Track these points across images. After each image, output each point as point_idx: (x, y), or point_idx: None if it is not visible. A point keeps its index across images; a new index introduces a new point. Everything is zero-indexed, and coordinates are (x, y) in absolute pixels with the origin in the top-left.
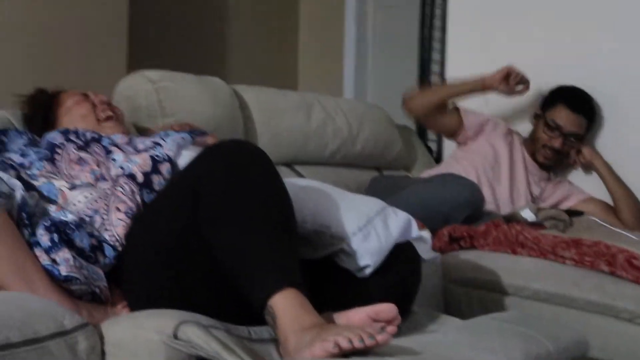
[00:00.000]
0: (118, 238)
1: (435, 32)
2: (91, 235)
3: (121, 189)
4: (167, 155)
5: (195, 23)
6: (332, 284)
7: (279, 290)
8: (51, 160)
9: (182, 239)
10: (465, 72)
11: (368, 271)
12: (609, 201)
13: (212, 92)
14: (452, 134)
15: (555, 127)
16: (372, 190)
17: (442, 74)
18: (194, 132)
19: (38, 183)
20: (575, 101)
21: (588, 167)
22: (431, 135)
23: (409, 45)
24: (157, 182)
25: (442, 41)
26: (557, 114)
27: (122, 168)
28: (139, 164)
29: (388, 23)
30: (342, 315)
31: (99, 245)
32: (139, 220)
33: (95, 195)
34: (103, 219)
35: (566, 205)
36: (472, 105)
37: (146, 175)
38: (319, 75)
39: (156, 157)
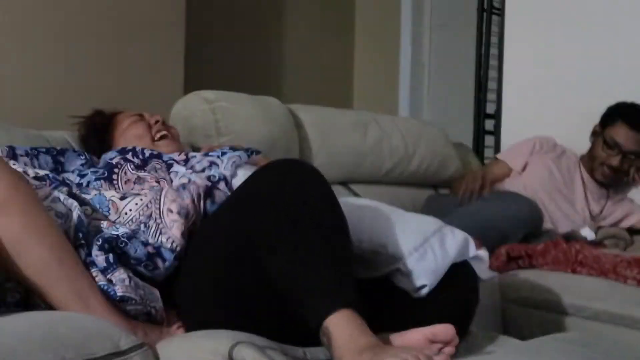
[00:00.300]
0: (175, 239)
1: (491, 49)
2: (146, 243)
3: (172, 191)
4: (223, 175)
5: (251, 43)
6: (389, 304)
7: (334, 310)
8: (109, 179)
9: (237, 259)
10: (523, 89)
11: (425, 291)
12: None
13: (267, 112)
14: (506, 177)
15: (614, 145)
16: (428, 208)
17: (499, 91)
18: (250, 150)
19: (89, 196)
20: (635, 118)
21: None
22: (488, 153)
23: (465, 62)
24: (218, 195)
25: (499, 58)
26: (616, 131)
27: (185, 177)
28: (197, 183)
29: (444, 41)
30: (399, 336)
31: (156, 251)
32: (195, 239)
33: (146, 200)
34: (157, 223)
35: (627, 223)
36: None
37: (207, 188)
38: (374, 95)
39: (212, 177)
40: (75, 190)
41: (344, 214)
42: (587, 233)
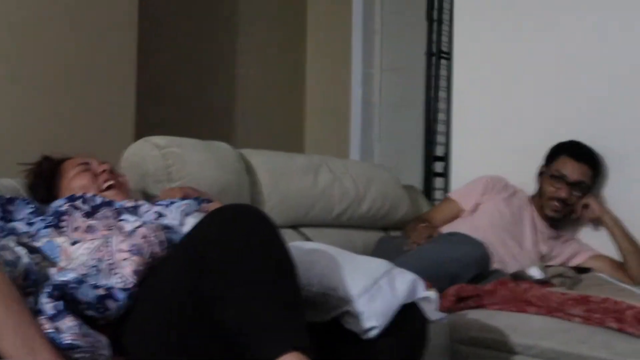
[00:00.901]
0: (127, 277)
1: (440, 92)
2: (96, 286)
3: (123, 234)
4: (171, 225)
5: (203, 89)
6: (339, 346)
7: (283, 353)
8: (57, 227)
9: (186, 305)
10: (471, 132)
11: (374, 333)
12: (618, 257)
13: (218, 157)
14: (457, 217)
15: (560, 177)
16: (379, 250)
17: (447, 133)
18: (200, 199)
19: (39, 244)
20: (578, 150)
21: (596, 222)
22: (438, 195)
23: (414, 106)
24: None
25: (448, 101)
26: (561, 164)
27: (138, 221)
28: (151, 224)
29: (394, 85)
30: None
31: (107, 293)
32: (145, 283)
33: (97, 244)
34: (109, 263)
35: (574, 262)
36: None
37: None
38: (325, 138)
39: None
40: (24, 239)
41: (293, 258)
42: (535, 272)
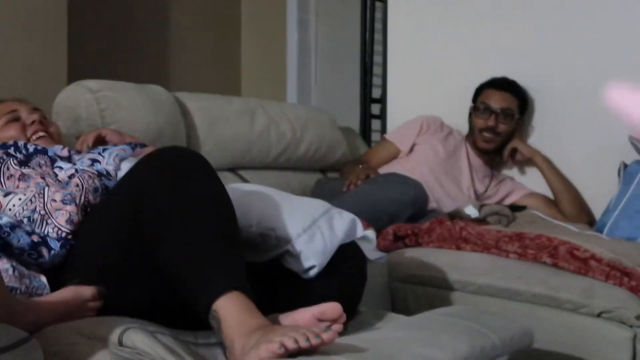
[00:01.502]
0: (61, 227)
1: (376, 34)
2: (31, 233)
3: (56, 185)
4: (106, 170)
5: (136, 31)
6: (279, 286)
7: (222, 294)
8: None
9: (125, 247)
10: (407, 73)
11: (314, 272)
12: (551, 196)
13: (153, 100)
14: (394, 158)
15: (485, 108)
16: (317, 192)
17: (384, 76)
18: (133, 144)
19: None
20: (499, 82)
21: (527, 163)
22: (375, 137)
23: (351, 49)
24: (103, 186)
25: (383, 44)
26: (484, 97)
27: (72, 169)
28: (85, 170)
29: (330, 28)
30: (288, 316)
31: (41, 240)
32: (84, 226)
33: (29, 195)
34: (41, 214)
35: (509, 200)
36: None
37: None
38: (262, 82)
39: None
40: None
41: (230, 199)
42: (471, 211)
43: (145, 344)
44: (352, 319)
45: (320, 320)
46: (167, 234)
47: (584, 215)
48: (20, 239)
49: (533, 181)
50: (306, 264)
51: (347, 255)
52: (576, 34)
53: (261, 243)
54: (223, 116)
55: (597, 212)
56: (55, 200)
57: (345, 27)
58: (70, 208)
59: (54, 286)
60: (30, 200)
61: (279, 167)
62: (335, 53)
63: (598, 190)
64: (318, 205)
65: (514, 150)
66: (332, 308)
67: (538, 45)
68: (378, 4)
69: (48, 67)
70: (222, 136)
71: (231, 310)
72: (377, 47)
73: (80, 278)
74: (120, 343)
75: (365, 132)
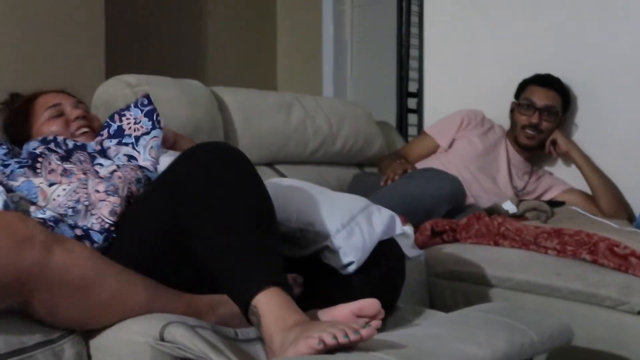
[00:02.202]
0: (104, 219)
1: (412, 28)
2: (74, 226)
3: (95, 176)
4: (145, 167)
5: (173, 26)
6: (317, 281)
7: (261, 289)
8: (32, 168)
9: (166, 243)
10: (443, 67)
11: (352, 268)
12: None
13: (190, 95)
14: (433, 153)
15: (529, 104)
16: (354, 187)
17: (420, 69)
18: (154, 124)
19: (17, 183)
20: (544, 78)
21: (565, 158)
22: (412, 131)
23: (387, 42)
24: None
25: (420, 37)
26: (528, 93)
27: (113, 165)
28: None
29: (365, 21)
30: (326, 312)
31: (84, 234)
32: (124, 221)
33: (74, 186)
34: (86, 205)
35: (548, 196)
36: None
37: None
38: (298, 75)
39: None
40: (0, 178)
41: (269, 195)
42: (509, 206)
43: (186, 338)
44: (390, 315)
45: (359, 317)
46: (206, 229)
47: (623, 211)
48: (64, 233)
49: (573, 177)
50: (345, 260)
51: (385, 251)
52: (621, 29)
53: (300, 238)
54: (259, 110)
55: (637, 208)
56: (98, 191)
57: (381, 19)
58: (114, 199)
59: None
60: (75, 190)
61: (315, 162)
62: (372, 46)
63: (638, 186)
64: (357, 201)
65: (554, 142)
66: (370, 304)
67: (578, 38)
68: None
69: (86, 62)
70: (258, 130)
71: (270, 306)
72: (414, 41)
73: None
74: (162, 338)
75: (402, 126)
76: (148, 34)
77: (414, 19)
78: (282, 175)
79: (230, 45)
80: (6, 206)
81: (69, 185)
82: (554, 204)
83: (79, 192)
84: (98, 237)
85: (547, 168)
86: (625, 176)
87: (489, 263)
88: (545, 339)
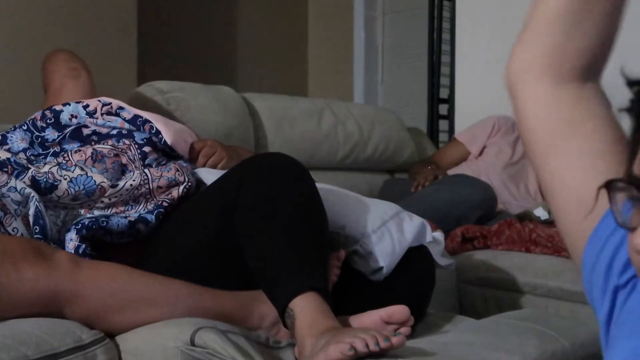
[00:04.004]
0: (162, 200)
1: (444, 34)
2: (125, 216)
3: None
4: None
5: (204, 32)
6: (347, 287)
7: (299, 293)
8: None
9: (215, 238)
10: (475, 73)
11: (382, 274)
12: None
13: (221, 101)
14: (464, 160)
15: None
16: (385, 193)
17: (452, 75)
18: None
19: (72, 174)
20: None
21: None
22: (443, 137)
23: (418, 48)
24: None
25: (452, 43)
26: None
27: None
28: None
29: (397, 27)
30: (356, 318)
31: (138, 218)
32: (177, 214)
33: (135, 184)
34: (147, 198)
35: None
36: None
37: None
38: (328, 82)
39: None
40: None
41: (323, 204)
42: (541, 213)
43: (217, 343)
44: (421, 322)
45: (388, 323)
46: (257, 231)
47: None
48: (119, 223)
49: None
50: (374, 265)
51: (415, 258)
52: None
53: (330, 241)
54: (290, 116)
55: None
56: (161, 187)
57: (412, 26)
58: (175, 188)
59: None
60: (137, 188)
61: (346, 168)
62: (403, 52)
63: None
64: (388, 207)
65: None
66: (399, 311)
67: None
68: (446, 3)
69: (118, 68)
70: (289, 136)
71: (306, 310)
72: (445, 47)
73: (168, 257)
74: (193, 343)
75: (433, 132)
76: (180, 40)
77: (446, 25)
78: None
79: (261, 51)
80: (37, 214)
81: (131, 185)
82: None
83: (141, 189)
84: (151, 217)
85: None
86: None
87: (521, 270)
88: (577, 347)
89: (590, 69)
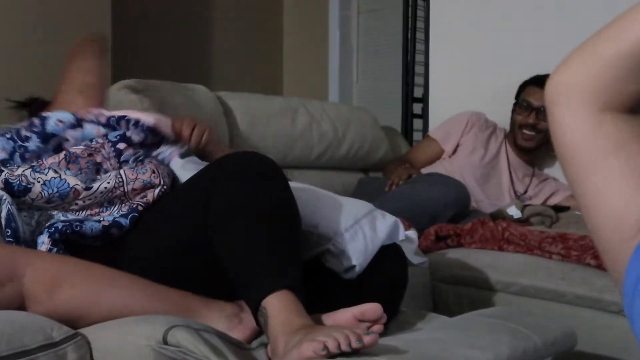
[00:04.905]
0: (137, 203)
1: (418, 33)
2: (99, 220)
3: (129, 170)
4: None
5: (179, 31)
6: (319, 285)
7: (272, 291)
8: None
9: (191, 234)
10: (449, 73)
11: (354, 272)
12: None
13: (196, 100)
14: (438, 158)
15: (526, 105)
16: (359, 191)
17: (426, 75)
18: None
19: (45, 177)
20: (541, 78)
21: None
22: (417, 136)
23: (393, 47)
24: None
25: (426, 43)
26: (526, 94)
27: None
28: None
29: (371, 26)
30: (329, 316)
31: (111, 223)
32: (152, 211)
33: (110, 187)
34: (122, 200)
35: (553, 201)
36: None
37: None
38: (304, 80)
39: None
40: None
41: (296, 202)
42: (514, 211)
43: (190, 342)
44: (394, 319)
45: (361, 321)
46: (230, 227)
47: None
48: (93, 228)
49: None
50: (347, 263)
51: (388, 256)
52: None
53: (302, 240)
54: (265, 115)
55: None
56: (136, 190)
57: (387, 25)
58: (150, 190)
59: (112, 258)
60: (111, 191)
61: (320, 167)
62: (377, 51)
63: None
64: (361, 205)
65: None
66: (372, 309)
67: (581, 42)
68: (420, 2)
69: None
70: (264, 135)
71: (279, 308)
72: (420, 46)
73: (142, 256)
74: (165, 341)
75: (407, 131)
76: (154, 39)
77: (420, 25)
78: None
79: (235, 50)
80: (9, 217)
81: (105, 187)
82: (558, 209)
83: (116, 192)
84: (125, 222)
85: (547, 170)
86: None
87: (494, 268)
88: (549, 344)
89: None
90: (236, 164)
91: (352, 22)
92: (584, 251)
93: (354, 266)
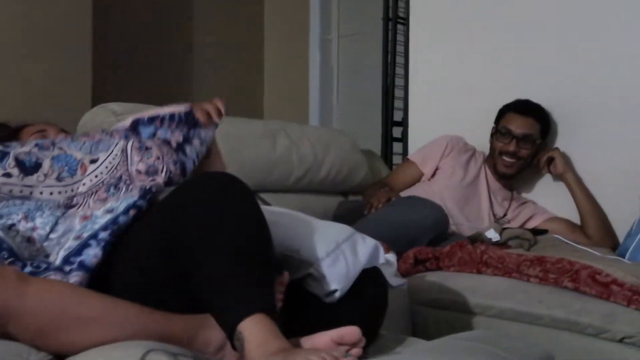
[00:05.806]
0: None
1: (398, 57)
2: (77, 237)
3: (136, 150)
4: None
5: (160, 54)
6: (301, 309)
7: (248, 315)
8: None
9: (162, 265)
10: (428, 96)
11: (336, 296)
12: (573, 219)
13: None
14: (417, 181)
15: (506, 132)
16: (338, 215)
17: (405, 98)
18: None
19: (52, 153)
20: (522, 105)
21: (558, 178)
22: (396, 159)
23: (372, 71)
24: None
25: (405, 66)
26: (506, 120)
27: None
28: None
29: (352, 50)
30: (308, 339)
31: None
32: (127, 234)
33: (115, 163)
34: (127, 183)
35: (531, 224)
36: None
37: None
38: (284, 104)
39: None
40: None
41: (267, 223)
42: (492, 234)
43: None
44: (373, 343)
45: (339, 344)
46: (203, 253)
47: (609, 239)
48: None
49: (554, 205)
50: (328, 287)
51: (368, 279)
52: (602, 57)
53: (284, 264)
54: (245, 139)
55: (621, 236)
56: (140, 172)
57: (367, 49)
58: (154, 177)
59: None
60: (116, 167)
61: (300, 190)
62: (358, 75)
63: (622, 214)
64: (342, 229)
65: (551, 160)
66: (350, 332)
67: (562, 67)
68: (400, 27)
69: (72, 89)
70: (244, 158)
71: (255, 332)
72: (399, 70)
73: (120, 278)
74: None
75: (387, 154)
76: (135, 61)
77: (400, 49)
78: (267, 204)
79: (216, 73)
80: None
81: (110, 162)
82: (537, 232)
83: (120, 170)
84: (142, 203)
85: (526, 194)
86: (610, 204)
87: (472, 291)
88: None
89: None
90: (205, 185)
91: (333, 46)
92: (561, 274)
93: (335, 290)
